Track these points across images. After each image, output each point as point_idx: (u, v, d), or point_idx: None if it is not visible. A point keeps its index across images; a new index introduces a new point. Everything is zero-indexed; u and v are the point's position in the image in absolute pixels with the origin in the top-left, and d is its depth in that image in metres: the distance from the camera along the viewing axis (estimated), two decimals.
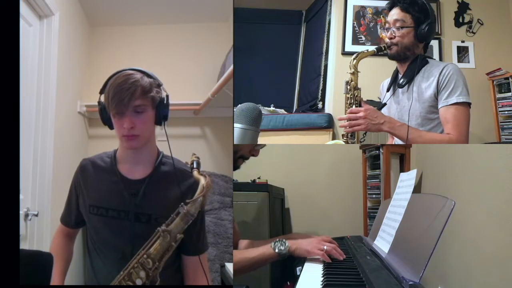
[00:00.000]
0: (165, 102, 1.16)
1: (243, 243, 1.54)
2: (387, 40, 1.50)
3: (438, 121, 1.45)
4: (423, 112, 1.47)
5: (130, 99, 1.07)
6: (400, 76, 1.55)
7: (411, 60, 1.51)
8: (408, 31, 1.47)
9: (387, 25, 1.51)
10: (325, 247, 1.30)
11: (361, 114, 1.39)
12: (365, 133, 1.51)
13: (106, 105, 1.12)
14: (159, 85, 1.15)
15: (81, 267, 2.09)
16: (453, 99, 1.39)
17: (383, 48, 1.50)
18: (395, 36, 1.48)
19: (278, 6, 3.59)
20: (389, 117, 1.45)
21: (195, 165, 1.14)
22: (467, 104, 1.40)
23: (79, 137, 2.45)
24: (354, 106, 1.46)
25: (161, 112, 1.15)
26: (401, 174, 1.61)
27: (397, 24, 1.47)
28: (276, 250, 1.31)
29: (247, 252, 1.38)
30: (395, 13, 1.49)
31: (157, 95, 1.14)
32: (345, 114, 1.45)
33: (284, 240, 1.34)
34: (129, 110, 1.08)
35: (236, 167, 1.39)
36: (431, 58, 1.55)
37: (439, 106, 1.42)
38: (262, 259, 1.33)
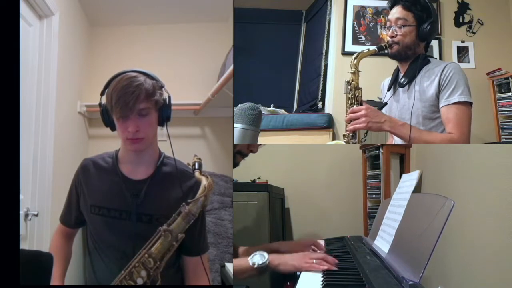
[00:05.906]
0: (167, 103, 1.16)
1: (240, 249, 1.54)
2: (388, 38, 1.48)
3: (438, 121, 1.44)
4: (424, 112, 1.45)
5: (135, 103, 1.07)
6: (401, 75, 1.54)
7: (412, 60, 1.49)
8: (410, 30, 1.45)
9: (388, 24, 1.49)
10: (314, 261, 1.20)
11: (362, 112, 1.37)
12: (366, 133, 1.50)
13: (109, 108, 1.12)
14: (161, 87, 1.16)
15: (81, 267, 2.09)
16: (455, 98, 1.37)
17: (384, 47, 1.48)
18: (396, 35, 1.46)
19: (278, 6, 3.59)
20: (390, 116, 1.44)
21: (197, 166, 1.14)
22: (469, 104, 1.39)
23: (79, 137, 2.45)
24: (355, 106, 1.45)
25: (164, 113, 1.16)
26: (403, 175, 1.61)
27: (399, 23, 1.45)
28: (252, 263, 1.20)
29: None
30: (396, 11, 1.47)
31: (160, 98, 1.14)
32: (346, 114, 1.44)
33: (264, 253, 1.22)
34: (134, 113, 1.08)
35: (235, 163, 1.35)
36: (432, 57, 1.53)
37: (441, 106, 1.41)
38: (239, 272, 1.22)
